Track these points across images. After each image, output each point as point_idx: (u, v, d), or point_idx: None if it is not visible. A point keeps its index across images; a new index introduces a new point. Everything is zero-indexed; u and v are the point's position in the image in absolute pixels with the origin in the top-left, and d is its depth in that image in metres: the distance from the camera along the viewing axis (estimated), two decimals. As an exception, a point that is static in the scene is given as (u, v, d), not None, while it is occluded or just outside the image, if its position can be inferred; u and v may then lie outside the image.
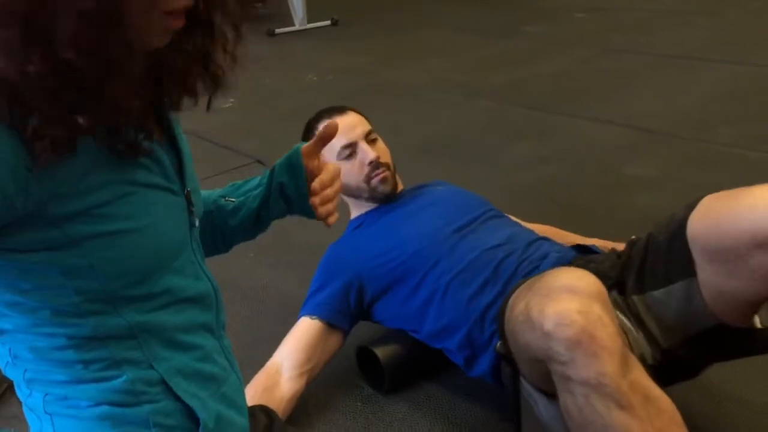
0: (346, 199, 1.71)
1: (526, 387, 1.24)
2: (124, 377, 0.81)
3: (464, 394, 1.56)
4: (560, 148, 2.94)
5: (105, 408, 0.81)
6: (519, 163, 2.82)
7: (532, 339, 1.08)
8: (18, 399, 0.86)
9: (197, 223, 0.90)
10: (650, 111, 3.26)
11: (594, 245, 1.57)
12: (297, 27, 5.79)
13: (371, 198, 1.66)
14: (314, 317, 1.54)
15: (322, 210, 1.05)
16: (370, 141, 1.65)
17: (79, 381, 0.80)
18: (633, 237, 1.79)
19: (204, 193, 1.05)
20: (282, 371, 1.49)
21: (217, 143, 3.27)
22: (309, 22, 5.82)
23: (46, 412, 0.82)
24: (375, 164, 1.62)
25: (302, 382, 1.49)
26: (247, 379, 1.45)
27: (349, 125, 1.64)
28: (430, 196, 1.68)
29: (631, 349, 1.14)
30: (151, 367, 0.82)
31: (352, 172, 1.62)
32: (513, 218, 1.70)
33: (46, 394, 0.82)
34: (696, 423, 1.11)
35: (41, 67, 0.65)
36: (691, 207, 1.19)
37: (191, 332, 0.87)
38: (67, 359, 0.79)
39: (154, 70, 0.79)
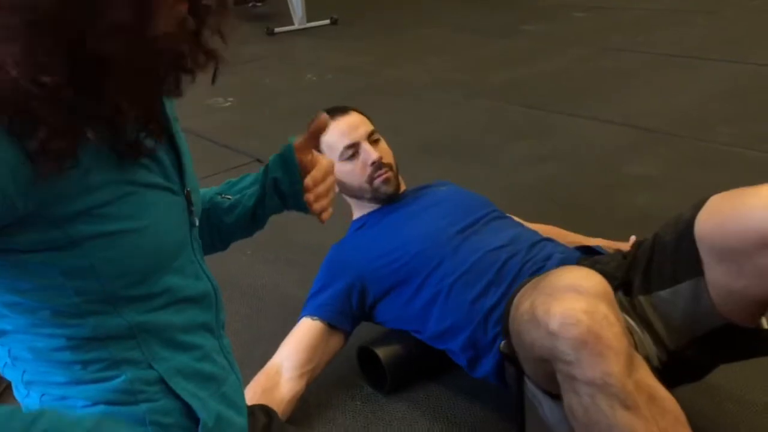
0: (349, 199, 1.71)
1: (531, 388, 1.24)
2: (123, 377, 0.80)
3: (464, 393, 1.55)
4: (560, 147, 2.94)
5: (101, 407, 0.81)
6: (519, 163, 2.82)
7: (537, 338, 1.07)
8: (15, 400, 0.86)
9: (197, 222, 0.90)
10: (649, 110, 3.26)
11: (598, 246, 1.57)
12: (296, 26, 5.79)
13: (374, 199, 1.65)
14: (315, 318, 1.53)
15: (316, 206, 1.04)
16: (373, 141, 1.64)
17: (78, 382, 0.80)
18: (633, 237, 1.80)
19: (200, 191, 1.05)
20: (282, 372, 1.48)
21: (217, 142, 3.27)
22: (308, 21, 5.82)
23: None
24: (378, 165, 1.61)
25: (302, 383, 1.48)
26: (247, 379, 1.44)
27: (352, 126, 1.63)
28: (433, 196, 1.68)
29: (637, 350, 1.14)
30: (150, 367, 0.82)
31: (355, 173, 1.62)
32: (516, 219, 1.69)
33: (43, 395, 0.81)
34: (696, 423, 1.10)
35: (58, 78, 0.65)
36: (698, 207, 1.19)
37: (191, 332, 0.86)
38: (66, 360, 0.79)
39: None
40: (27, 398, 0.83)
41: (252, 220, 1.08)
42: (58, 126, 0.66)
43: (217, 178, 2.75)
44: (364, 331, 1.65)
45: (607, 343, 1.00)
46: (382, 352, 1.56)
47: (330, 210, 1.06)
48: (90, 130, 0.69)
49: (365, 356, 1.60)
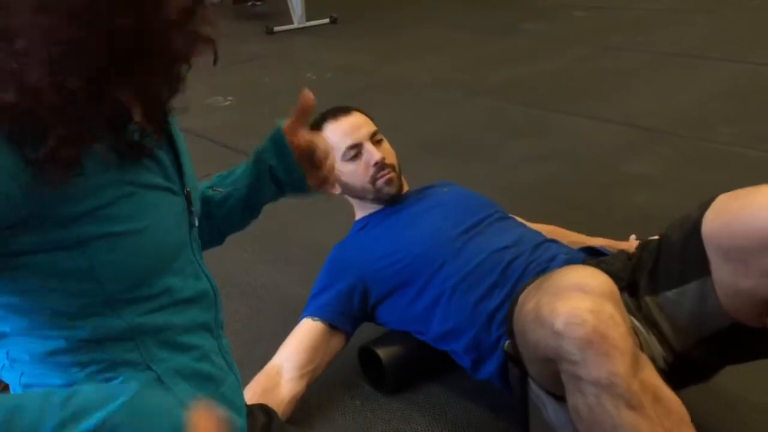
0: (351, 200, 1.70)
1: (535, 389, 1.23)
2: (121, 379, 0.80)
3: (463, 393, 1.55)
4: (559, 146, 2.94)
5: None
6: (518, 162, 2.81)
7: (541, 337, 1.07)
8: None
9: (197, 223, 0.90)
10: (649, 109, 3.26)
11: (603, 247, 1.56)
12: (296, 25, 5.78)
13: (376, 199, 1.64)
14: (317, 319, 1.53)
15: (323, 189, 1.04)
16: (376, 142, 1.63)
17: (76, 384, 0.79)
18: (633, 236, 1.81)
19: None
20: (282, 372, 1.47)
21: (216, 141, 3.27)
22: (308, 20, 5.81)
23: None
24: (380, 165, 1.60)
25: (303, 384, 1.48)
26: (246, 379, 1.44)
27: (355, 126, 1.63)
28: (436, 197, 1.67)
29: (642, 351, 1.13)
30: (149, 368, 0.81)
31: (358, 174, 1.61)
32: (518, 219, 1.68)
33: None
34: (702, 424, 1.09)
35: (78, 82, 0.65)
36: (706, 206, 1.18)
37: (190, 332, 0.86)
38: (65, 362, 0.78)
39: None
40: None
41: (245, 209, 1.07)
42: (67, 134, 0.66)
43: (217, 177, 2.76)
44: (366, 330, 1.65)
45: (613, 342, 0.99)
46: (383, 353, 1.56)
47: (335, 184, 1.05)
48: (95, 134, 0.69)
49: (366, 356, 1.60)
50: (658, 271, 1.26)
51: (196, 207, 0.90)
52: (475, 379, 1.45)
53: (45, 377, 0.80)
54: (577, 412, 1.05)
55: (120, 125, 0.73)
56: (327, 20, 5.87)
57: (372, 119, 1.69)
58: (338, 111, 1.66)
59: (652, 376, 1.03)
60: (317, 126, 1.66)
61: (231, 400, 0.92)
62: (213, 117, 3.61)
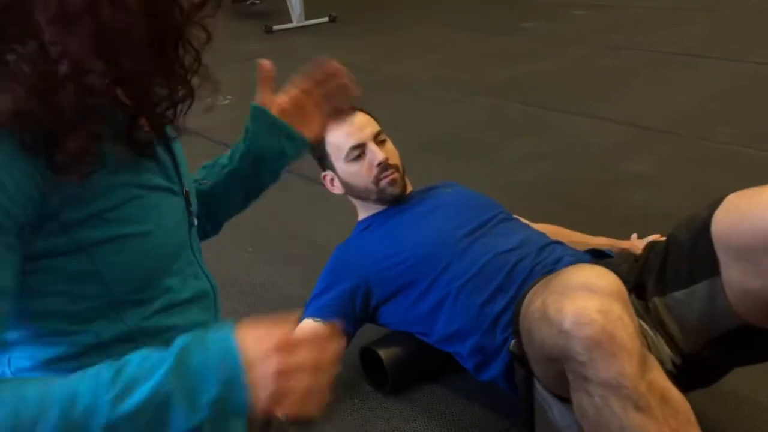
0: (354, 200, 1.69)
1: (540, 391, 1.22)
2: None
3: (463, 392, 1.55)
4: (559, 145, 2.94)
5: None
6: (518, 160, 2.81)
7: (548, 337, 1.06)
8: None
9: (196, 222, 0.89)
10: (649, 109, 3.25)
11: (608, 249, 1.55)
12: (295, 24, 5.78)
13: (380, 200, 1.63)
14: (318, 320, 1.51)
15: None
16: (379, 142, 1.62)
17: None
18: (634, 234, 1.80)
19: None
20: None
21: (216, 141, 3.26)
22: (307, 18, 5.81)
23: None
24: (384, 165, 1.59)
25: (303, 384, 1.47)
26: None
27: (358, 126, 1.62)
28: (440, 198, 1.66)
29: (650, 351, 1.12)
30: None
31: (361, 174, 1.60)
32: (522, 220, 1.68)
33: None
34: (709, 426, 1.09)
35: (99, 80, 0.67)
36: (715, 206, 1.17)
37: (190, 332, 0.86)
38: (68, 368, 0.78)
39: None
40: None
41: (241, 196, 1.08)
42: (84, 141, 0.67)
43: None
44: (366, 330, 1.64)
45: (621, 343, 0.98)
46: (384, 354, 1.55)
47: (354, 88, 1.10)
48: (110, 133, 0.70)
49: (367, 356, 1.60)
50: (666, 271, 1.25)
51: (195, 206, 0.89)
52: (472, 377, 1.45)
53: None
54: (583, 412, 1.05)
55: (130, 124, 0.74)
56: (326, 19, 5.87)
57: (376, 119, 1.68)
58: (341, 111, 1.65)
59: (659, 376, 1.03)
60: None
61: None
62: (212, 116, 3.56)
